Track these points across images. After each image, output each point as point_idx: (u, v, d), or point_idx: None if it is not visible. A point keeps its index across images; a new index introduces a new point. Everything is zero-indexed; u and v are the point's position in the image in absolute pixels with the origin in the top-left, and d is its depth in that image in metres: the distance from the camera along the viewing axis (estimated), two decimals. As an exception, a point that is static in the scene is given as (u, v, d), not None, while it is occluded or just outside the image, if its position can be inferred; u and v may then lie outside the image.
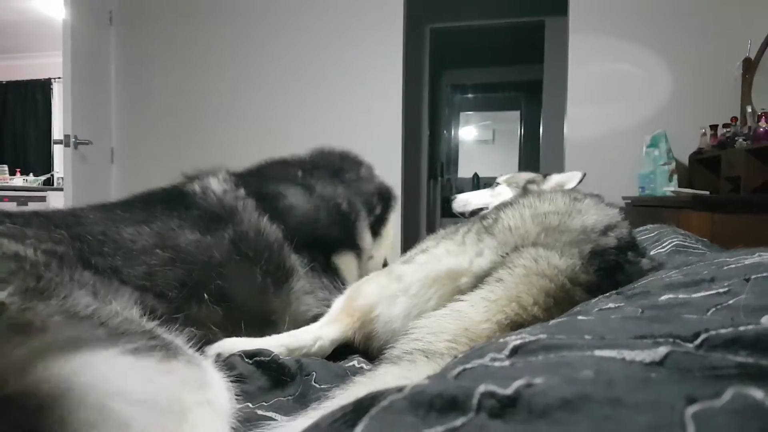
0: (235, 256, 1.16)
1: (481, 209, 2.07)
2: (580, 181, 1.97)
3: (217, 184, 1.32)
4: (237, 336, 1.10)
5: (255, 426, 0.75)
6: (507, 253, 0.94)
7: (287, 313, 1.22)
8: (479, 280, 0.92)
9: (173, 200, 1.25)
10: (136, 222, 1.10)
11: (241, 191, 1.33)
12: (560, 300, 0.84)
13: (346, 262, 1.43)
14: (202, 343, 1.02)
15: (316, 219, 1.41)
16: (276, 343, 1.07)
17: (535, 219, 1.00)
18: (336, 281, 1.35)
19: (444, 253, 1.02)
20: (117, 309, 0.79)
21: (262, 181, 1.44)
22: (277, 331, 1.16)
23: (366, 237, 1.54)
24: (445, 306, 0.89)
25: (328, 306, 1.23)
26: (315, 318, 1.22)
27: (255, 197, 1.32)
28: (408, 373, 0.73)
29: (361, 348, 1.12)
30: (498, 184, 2.15)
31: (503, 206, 1.11)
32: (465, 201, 2.19)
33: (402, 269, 1.07)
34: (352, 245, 1.48)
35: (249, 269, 1.17)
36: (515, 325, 0.81)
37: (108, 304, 0.81)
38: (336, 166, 1.66)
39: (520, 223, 1.00)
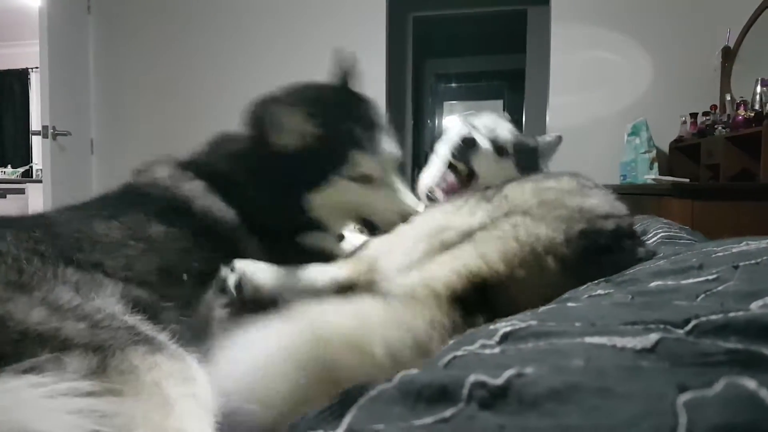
0: (201, 239, 1.16)
1: None
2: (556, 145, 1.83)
3: (162, 173, 1.31)
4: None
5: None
6: (497, 217, 0.94)
7: None
8: (465, 235, 0.93)
9: (130, 196, 1.26)
10: (105, 218, 1.10)
11: (189, 174, 1.31)
12: (530, 266, 0.83)
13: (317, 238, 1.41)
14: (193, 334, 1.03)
15: (273, 200, 1.36)
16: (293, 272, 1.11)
17: (535, 191, 1.01)
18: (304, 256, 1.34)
19: (441, 215, 1.06)
20: (100, 304, 0.80)
21: (209, 165, 1.41)
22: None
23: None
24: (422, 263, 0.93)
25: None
26: None
27: (203, 179, 1.31)
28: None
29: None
30: None
31: (509, 181, 1.13)
32: None
33: (404, 227, 1.14)
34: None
35: (210, 251, 1.17)
36: (474, 275, 0.82)
37: (91, 300, 0.81)
38: None
39: (519, 193, 1.02)
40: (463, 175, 1.56)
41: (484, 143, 1.56)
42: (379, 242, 1.16)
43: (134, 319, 0.79)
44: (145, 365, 0.66)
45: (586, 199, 0.99)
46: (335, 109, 1.46)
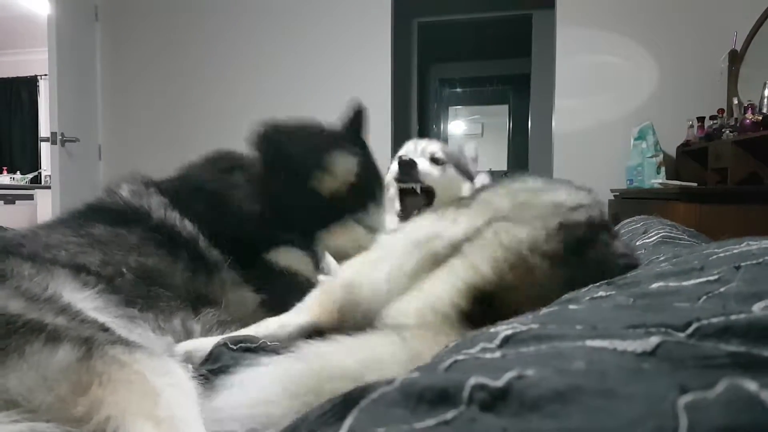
0: (149, 242, 1.21)
1: None
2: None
3: (125, 189, 1.39)
4: (178, 311, 1.14)
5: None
6: (479, 227, 0.95)
7: (226, 298, 1.26)
8: (454, 248, 0.94)
9: (85, 210, 1.35)
10: (49, 229, 1.18)
11: (151, 190, 1.38)
12: (518, 268, 0.84)
13: (288, 258, 1.42)
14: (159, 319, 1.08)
15: (241, 218, 1.41)
16: (245, 333, 1.08)
17: (507, 195, 1.03)
18: (272, 277, 1.35)
19: (427, 223, 1.06)
20: (70, 301, 0.83)
21: (179, 182, 1.48)
22: (218, 310, 1.21)
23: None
24: (422, 276, 0.92)
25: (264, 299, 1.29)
26: (260, 307, 1.28)
27: (166, 196, 1.36)
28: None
29: (345, 327, 1.13)
30: None
31: (483, 188, 1.17)
32: None
33: (384, 239, 1.13)
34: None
35: (167, 255, 1.21)
36: (473, 288, 0.82)
37: (60, 296, 0.85)
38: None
39: (495, 198, 1.03)
40: (420, 193, 1.71)
41: (419, 159, 1.72)
42: (348, 271, 1.14)
43: (104, 318, 0.83)
44: (128, 358, 0.68)
45: (555, 193, 1.01)
46: (363, 161, 1.57)
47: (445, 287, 0.84)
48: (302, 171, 1.46)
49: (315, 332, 1.14)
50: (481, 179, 1.96)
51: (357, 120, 1.64)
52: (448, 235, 0.97)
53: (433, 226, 1.03)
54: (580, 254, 0.88)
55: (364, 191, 1.52)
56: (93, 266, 1.07)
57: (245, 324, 1.15)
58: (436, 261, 0.95)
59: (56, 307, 0.75)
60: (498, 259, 0.86)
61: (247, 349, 0.98)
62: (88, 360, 0.64)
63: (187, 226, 1.30)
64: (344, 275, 1.12)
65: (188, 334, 1.11)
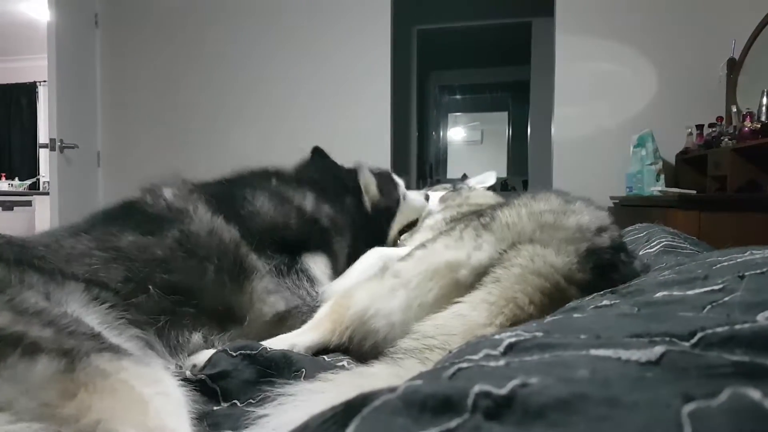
0: (180, 253, 1.19)
1: None
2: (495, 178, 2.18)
3: (168, 191, 1.36)
4: (200, 328, 1.13)
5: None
6: (504, 250, 0.94)
7: (251, 311, 1.25)
8: (478, 275, 0.93)
9: (120, 211, 1.31)
10: (74, 234, 1.15)
11: (195, 195, 1.37)
12: (555, 299, 0.84)
13: (318, 263, 1.44)
14: (171, 333, 1.08)
15: (285, 225, 1.44)
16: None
17: (531, 216, 1.01)
18: (303, 282, 1.36)
19: (442, 248, 1.03)
20: (67, 311, 0.82)
21: (224, 187, 1.49)
22: (241, 327, 1.21)
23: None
24: (445, 306, 0.90)
25: (292, 306, 1.29)
26: (279, 318, 1.27)
27: (210, 200, 1.36)
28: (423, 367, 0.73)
29: (353, 349, 1.12)
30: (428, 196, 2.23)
31: (499, 206, 1.13)
32: None
33: (398, 266, 1.08)
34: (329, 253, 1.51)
35: (198, 265, 1.20)
36: (514, 325, 0.81)
37: (59, 305, 0.84)
38: (329, 183, 1.71)
39: (516, 220, 1.01)
40: None
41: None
42: (361, 294, 1.12)
43: (100, 328, 0.81)
44: (112, 368, 0.67)
45: (580, 216, 1.00)
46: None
47: (482, 314, 0.84)
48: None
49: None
50: (489, 178, 2.05)
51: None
52: (472, 263, 0.95)
53: (452, 253, 1.00)
54: (607, 279, 0.89)
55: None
56: (113, 282, 1.06)
57: (260, 339, 1.15)
58: (458, 288, 0.93)
59: (45, 320, 0.73)
60: (537, 289, 0.86)
61: (246, 356, 0.98)
62: (71, 372, 0.63)
63: (230, 231, 1.30)
64: (357, 303, 1.10)
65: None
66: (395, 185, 1.87)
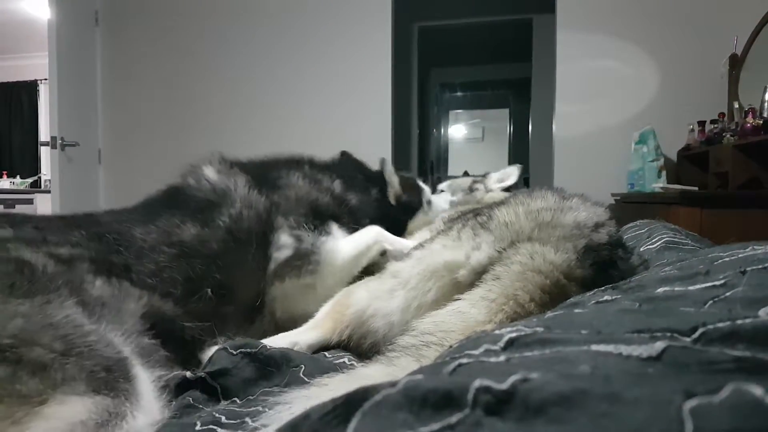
0: (231, 244, 1.21)
1: None
2: (519, 175, 2.07)
3: (211, 171, 1.38)
4: (226, 327, 1.15)
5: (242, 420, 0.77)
6: (504, 248, 0.94)
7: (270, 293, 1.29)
8: (477, 274, 0.93)
9: (172, 197, 1.31)
10: (143, 222, 1.14)
11: (235, 169, 1.39)
12: (555, 296, 0.84)
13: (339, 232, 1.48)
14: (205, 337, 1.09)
15: (315, 198, 1.48)
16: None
17: (529, 215, 1.01)
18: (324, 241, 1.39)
19: (440, 248, 1.03)
20: (98, 328, 0.80)
21: (259, 164, 1.54)
22: (263, 318, 1.25)
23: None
24: (444, 305, 0.90)
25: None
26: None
27: (248, 174, 1.39)
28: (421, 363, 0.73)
29: (353, 347, 1.13)
30: (442, 191, 2.17)
31: (496, 205, 1.13)
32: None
33: (397, 266, 1.09)
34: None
35: (243, 253, 1.23)
36: (513, 315, 0.82)
37: (99, 325, 0.82)
38: (356, 176, 1.78)
39: (514, 218, 1.01)
40: None
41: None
42: (361, 293, 1.13)
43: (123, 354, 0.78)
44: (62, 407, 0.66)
45: (577, 213, 1.00)
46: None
47: (481, 311, 0.83)
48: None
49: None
50: (511, 175, 2.02)
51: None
52: (472, 263, 0.95)
53: (450, 253, 1.00)
54: (605, 274, 0.89)
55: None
56: (171, 285, 1.06)
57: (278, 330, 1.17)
58: (457, 289, 0.93)
59: (55, 337, 0.72)
60: (537, 286, 0.86)
61: (247, 354, 0.98)
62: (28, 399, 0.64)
63: (265, 202, 1.34)
64: (357, 303, 1.11)
65: None
66: (419, 189, 1.92)
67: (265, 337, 1.15)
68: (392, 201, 1.79)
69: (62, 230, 1.01)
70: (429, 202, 1.91)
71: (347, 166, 1.80)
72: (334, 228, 1.45)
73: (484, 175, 2.10)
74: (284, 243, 1.32)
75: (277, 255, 1.30)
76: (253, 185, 1.35)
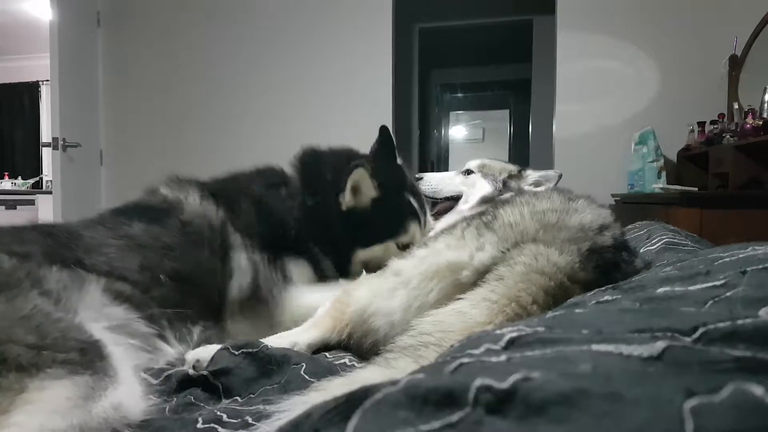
0: (183, 239, 1.26)
1: (454, 197, 1.93)
2: (557, 183, 1.84)
3: (165, 188, 1.43)
4: (201, 319, 1.19)
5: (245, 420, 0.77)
6: (508, 249, 0.94)
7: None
8: (480, 274, 0.92)
9: (125, 208, 1.37)
10: (90, 226, 1.22)
11: (187, 186, 1.43)
12: (559, 298, 0.84)
13: (298, 267, 1.45)
14: (175, 329, 1.14)
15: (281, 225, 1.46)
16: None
17: (534, 216, 1.00)
18: (281, 277, 1.38)
19: (444, 247, 1.02)
20: (66, 316, 0.84)
21: (218, 183, 1.54)
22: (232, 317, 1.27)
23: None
24: (446, 303, 0.89)
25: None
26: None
27: (204, 190, 1.43)
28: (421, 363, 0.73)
29: (354, 346, 1.13)
30: (470, 171, 1.93)
31: (500, 204, 1.12)
32: (435, 185, 2.00)
33: (400, 264, 1.08)
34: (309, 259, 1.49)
35: (196, 249, 1.27)
36: (514, 317, 0.81)
37: (63, 308, 0.86)
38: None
39: (519, 219, 1.00)
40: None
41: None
42: (362, 292, 1.12)
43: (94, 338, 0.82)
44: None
45: (583, 215, 0.99)
46: (396, 180, 1.61)
47: (482, 312, 0.83)
48: (331, 192, 1.49)
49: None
50: (550, 179, 1.85)
51: (385, 144, 1.68)
52: (475, 264, 0.95)
53: (453, 253, 0.99)
54: (609, 277, 0.88)
55: (395, 210, 1.55)
56: (131, 274, 1.11)
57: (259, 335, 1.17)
58: (459, 289, 0.93)
59: (29, 327, 0.76)
60: (541, 288, 0.85)
61: (248, 354, 0.99)
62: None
63: (219, 214, 1.37)
64: (358, 301, 1.11)
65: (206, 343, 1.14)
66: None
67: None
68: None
69: (15, 232, 1.09)
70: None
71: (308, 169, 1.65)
72: (292, 264, 1.43)
73: (520, 171, 1.87)
74: (244, 266, 1.32)
75: (239, 280, 1.31)
76: (207, 198, 1.39)
